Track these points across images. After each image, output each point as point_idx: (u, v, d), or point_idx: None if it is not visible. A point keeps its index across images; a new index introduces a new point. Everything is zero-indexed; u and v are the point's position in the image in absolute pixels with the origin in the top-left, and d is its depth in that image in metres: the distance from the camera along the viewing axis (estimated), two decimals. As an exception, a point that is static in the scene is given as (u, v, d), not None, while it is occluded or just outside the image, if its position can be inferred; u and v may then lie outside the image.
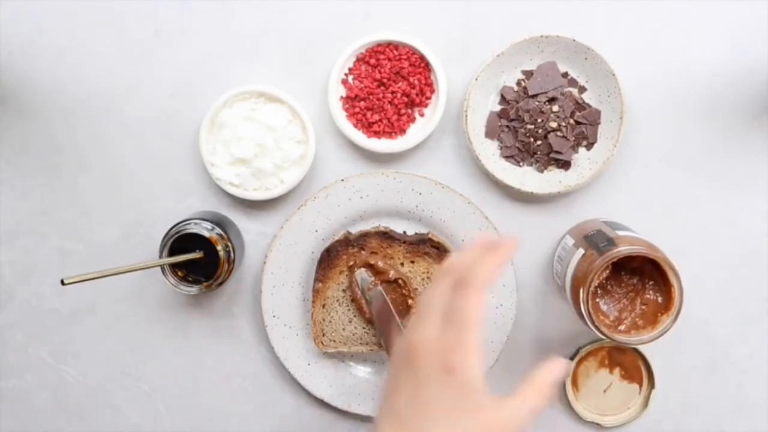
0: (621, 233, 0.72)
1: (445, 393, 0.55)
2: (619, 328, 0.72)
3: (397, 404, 0.57)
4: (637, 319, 0.72)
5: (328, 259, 0.78)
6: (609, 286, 0.74)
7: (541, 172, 0.80)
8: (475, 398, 0.55)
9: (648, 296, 0.73)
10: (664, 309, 0.70)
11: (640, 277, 0.73)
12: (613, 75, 0.77)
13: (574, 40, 0.77)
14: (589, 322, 0.69)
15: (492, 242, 0.58)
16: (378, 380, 0.81)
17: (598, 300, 0.73)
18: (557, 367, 0.59)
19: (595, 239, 0.72)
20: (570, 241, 0.76)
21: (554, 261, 0.79)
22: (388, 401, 0.58)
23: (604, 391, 0.82)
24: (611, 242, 0.70)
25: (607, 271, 0.73)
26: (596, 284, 0.70)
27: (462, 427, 0.54)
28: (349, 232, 0.79)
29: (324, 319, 0.79)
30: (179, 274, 0.76)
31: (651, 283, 0.72)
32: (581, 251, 0.72)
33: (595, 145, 0.79)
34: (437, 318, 0.57)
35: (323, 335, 0.79)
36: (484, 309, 0.57)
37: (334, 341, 0.79)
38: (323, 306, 0.79)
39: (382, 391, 0.60)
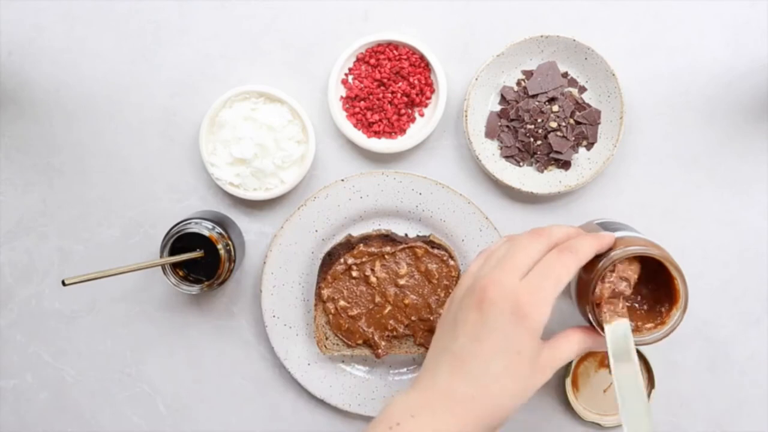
0: (617, 234, 0.72)
1: (512, 337, 0.58)
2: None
3: (456, 342, 0.60)
4: (646, 318, 0.72)
5: (330, 263, 0.78)
6: (615, 290, 0.74)
7: (541, 172, 0.80)
8: (537, 347, 0.60)
9: (654, 293, 0.73)
10: (672, 304, 0.70)
11: (645, 276, 0.73)
12: (613, 75, 0.77)
13: (574, 40, 0.77)
14: (600, 332, 0.69)
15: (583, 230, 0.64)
16: (377, 380, 0.81)
17: (606, 305, 0.73)
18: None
19: None
20: None
21: None
22: (444, 339, 0.61)
23: (604, 391, 0.82)
24: None
25: (608, 277, 0.73)
26: (598, 294, 0.69)
27: (519, 375, 0.59)
28: (350, 235, 0.79)
29: (327, 323, 0.79)
30: (180, 273, 0.76)
31: (657, 280, 0.72)
32: None
33: (595, 145, 0.79)
34: (519, 272, 0.60)
35: (326, 339, 0.79)
36: (570, 277, 0.60)
37: (338, 345, 0.79)
38: (326, 309, 0.79)
39: (440, 327, 0.63)
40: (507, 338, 0.58)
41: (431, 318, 0.78)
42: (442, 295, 0.78)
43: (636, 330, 0.72)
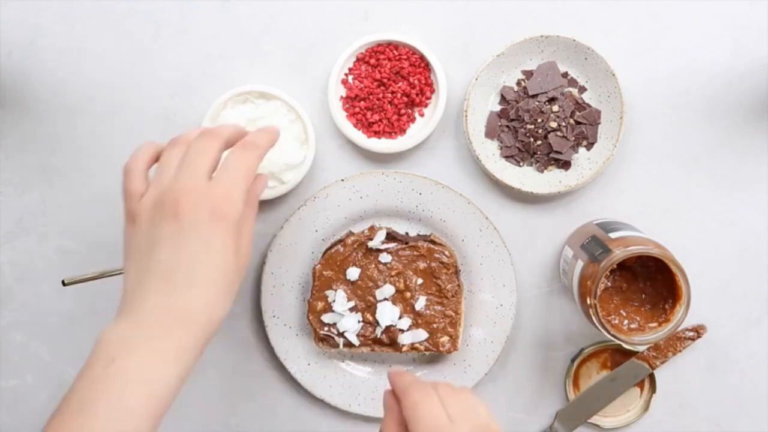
0: (616, 235, 0.72)
1: (213, 239, 0.57)
2: (633, 327, 0.72)
3: (157, 260, 0.57)
4: (650, 317, 0.72)
5: (327, 251, 0.78)
6: (616, 290, 0.74)
7: (541, 172, 0.80)
8: (236, 240, 0.58)
9: (656, 292, 0.73)
10: (675, 302, 0.70)
11: (647, 274, 0.73)
12: (613, 75, 0.77)
13: (574, 40, 0.77)
14: (604, 332, 0.69)
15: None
16: (377, 380, 0.81)
17: (609, 305, 0.73)
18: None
19: (590, 248, 0.72)
20: (569, 253, 0.76)
21: (560, 274, 0.80)
22: (142, 260, 0.58)
23: (605, 392, 0.82)
24: (605, 249, 0.70)
25: (609, 278, 0.73)
26: (600, 294, 0.70)
27: (226, 271, 0.58)
28: (351, 232, 0.79)
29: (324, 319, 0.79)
30: (179, 273, 0.76)
31: (658, 278, 0.73)
32: (581, 263, 0.72)
33: (595, 145, 0.79)
34: (205, 175, 0.58)
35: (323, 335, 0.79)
36: (256, 168, 0.60)
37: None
38: (324, 305, 0.79)
39: (132, 249, 0.60)
40: (208, 242, 0.57)
41: (432, 316, 0.78)
42: (444, 291, 0.78)
43: (639, 329, 0.72)
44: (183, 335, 0.56)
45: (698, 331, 0.80)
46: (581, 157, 0.79)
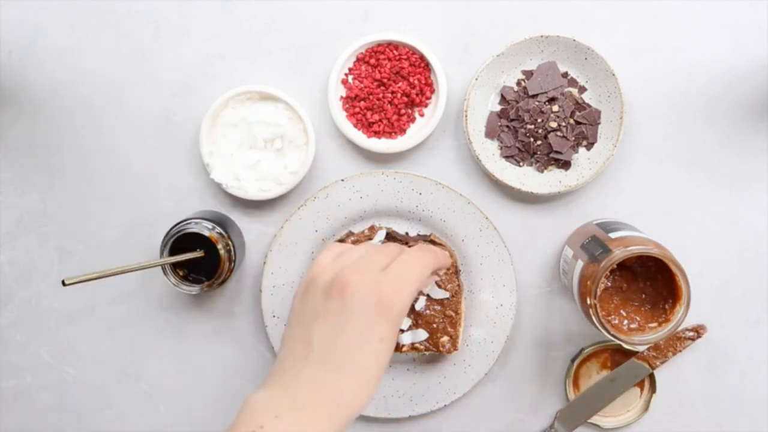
0: (616, 235, 0.72)
1: (375, 326, 0.58)
2: (633, 327, 0.72)
3: (317, 334, 0.58)
4: (650, 317, 0.72)
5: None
6: (616, 290, 0.74)
7: (541, 172, 0.80)
8: (396, 333, 0.59)
9: (656, 292, 0.73)
10: (675, 302, 0.70)
11: (647, 274, 0.73)
12: (613, 75, 0.77)
13: (574, 40, 0.77)
14: (604, 332, 0.69)
15: None
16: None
17: (609, 305, 0.73)
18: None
19: (590, 248, 0.72)
20: (569, 253, 0.76)
21: (560, 274, 0.80)
22: (302, 332, 0.59)
23: (605, 392, 0.82)
24: (605, 249, 0.70)
25: (609, 278, 0.73)
26: (600, 294, 0.70)
27: (382, 361, 0.58)
28: (351, 232, 0.79)
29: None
30: (180, 273, 0.76)
31: (658, 278, 0.73)
32: (581, 263, 0.72)
33: (595, 145, 0.79)
34: (380, 266, 0.60)
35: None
36: (428, 273, 0.62)
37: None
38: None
39: (295, 320, 0.61)
40: (370, 327, 0.57)
41: (432, 316, 0.78)
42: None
43: (639, 329, 0.72)
44: (330, 413, 0.56)
45: (698, 331, 0.80)
46: (581, 157, 0.79)
